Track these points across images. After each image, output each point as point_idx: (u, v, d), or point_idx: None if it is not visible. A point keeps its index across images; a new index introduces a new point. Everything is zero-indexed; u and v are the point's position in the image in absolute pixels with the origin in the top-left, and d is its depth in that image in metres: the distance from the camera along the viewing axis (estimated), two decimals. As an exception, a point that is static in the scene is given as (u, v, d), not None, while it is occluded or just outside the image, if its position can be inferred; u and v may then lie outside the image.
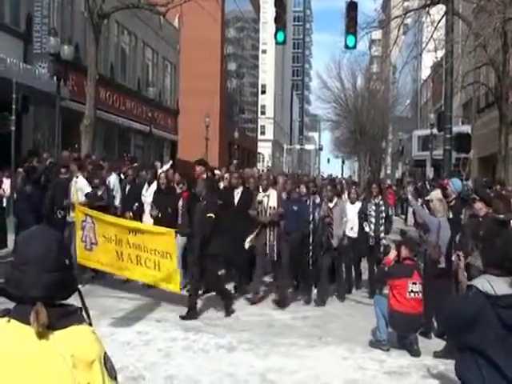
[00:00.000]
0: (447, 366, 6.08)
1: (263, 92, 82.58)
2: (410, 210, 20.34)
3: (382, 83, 49.77)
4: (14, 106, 16.10)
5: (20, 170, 12.91)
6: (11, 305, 2.05)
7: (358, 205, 10.58)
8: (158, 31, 34.45)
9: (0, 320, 2.04)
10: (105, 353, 2.09)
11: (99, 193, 10.45)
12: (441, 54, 22.09)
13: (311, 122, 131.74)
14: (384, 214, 10.26)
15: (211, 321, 8.27)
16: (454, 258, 7.69)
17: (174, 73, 39.76)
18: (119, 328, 7.59)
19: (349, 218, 10.14)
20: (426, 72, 50.12)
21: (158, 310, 8.65)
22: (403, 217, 24.63)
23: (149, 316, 8.29)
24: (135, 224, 9.67)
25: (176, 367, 6.30)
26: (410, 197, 9.92)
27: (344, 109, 50.29)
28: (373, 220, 10.14)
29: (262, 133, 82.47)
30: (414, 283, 7.07)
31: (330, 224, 9.53)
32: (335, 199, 9.97)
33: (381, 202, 10.38)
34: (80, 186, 10.02)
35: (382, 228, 10.18)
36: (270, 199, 9.39)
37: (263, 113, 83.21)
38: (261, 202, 9.40)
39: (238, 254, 9.47)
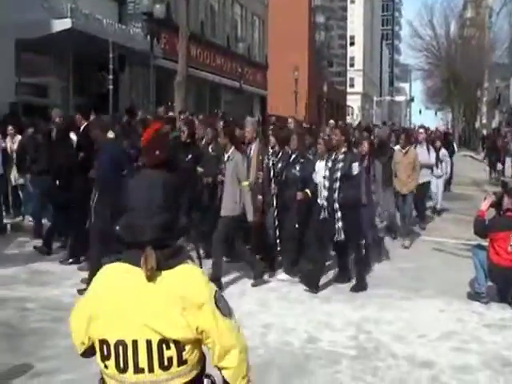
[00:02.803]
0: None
1: (352, 44, 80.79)
2: (508, 160, 19.58)
3: (476, 29, 47.42)
4: (111, 66, 16.64)
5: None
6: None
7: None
8: (246, -14, 34.27)
9: (113, 264, 2.14)
10: (216, 292, 2.13)
11: None
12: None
13: (401, 73, 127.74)
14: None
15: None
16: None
17: (263, 27, 39.54)
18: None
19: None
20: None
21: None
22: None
23: (244, 266, 8.48)
24: None
25: (272, 316, 6.47)
26: None
27: (436, 57, 48.55)
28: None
29: (351, 85, 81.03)
30: (517, 236, 6.79)
31: None
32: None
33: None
34: None
35: None
36: None
37: (352, 65, 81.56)
38: None
39: None
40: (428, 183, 12.38)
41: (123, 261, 2.10)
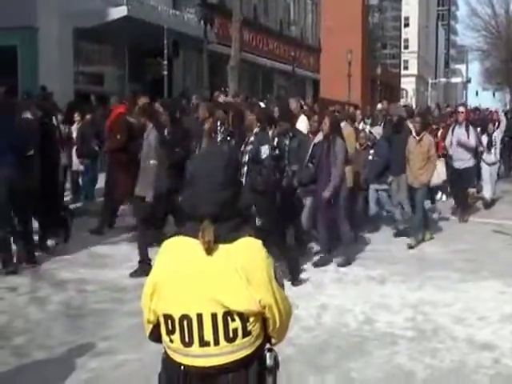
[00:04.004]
0: None
1: (406, 25, 79.15)
2: None
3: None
4: (165, 52, 16.83)
5: None
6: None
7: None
8: (298, -32, 33.98)
9: (175, 238, 2.16)
10: (274, 264, 2.16)
11: None
12: None
13: (458, 54, 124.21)
14: None
15: (362, 254, 8.34)
16: None
17: (315, 10, 39.17)
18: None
19: None
20: None
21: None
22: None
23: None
24: None
25: (327, 297, 6.47)
26: None
27: (495, 37, 47.05)
28: None
29: (406, 68, 79.51)
30: None
31: None
32: None
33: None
34: None
35: None
36: None
37: (406, 47, 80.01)
38: None
39: None
40: (471, 169, 11.09)
41: (184, 234, 2.13)
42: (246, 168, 6.62)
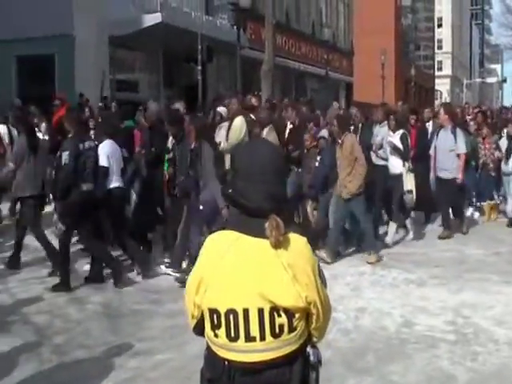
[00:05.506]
0: None
1: (439, 25, 78.33)
2: None
3: None
4: (199, 57, 16.96)
5: None
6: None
7: None
8: (330, -29, 33.93)
9: (221, 232, 2.15)
10: (318, 262, 2.16)
11: None
12: None
13: (492, 54, 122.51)
14: None
15: (399, 256, 8.27)
16: None
17: (348, 13, 39.03)
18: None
19: None
20: None
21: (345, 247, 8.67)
22: None
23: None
24: None
25: (365, 300, 6.42)
26: None
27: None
28: None
29: (439, 68, 78.66)
30: None
31: None
32: None
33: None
34: None
35: None
36: None
37: (440, 47, 79.16)
38: None
39: None
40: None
41: (231, 228, 2.13)
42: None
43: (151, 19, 16.82)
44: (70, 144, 6.73)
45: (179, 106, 9.88)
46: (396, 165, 8.94)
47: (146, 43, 18.08)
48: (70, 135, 6.86)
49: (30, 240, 7.67)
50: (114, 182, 7.16)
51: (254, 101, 10.31)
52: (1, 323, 5.77)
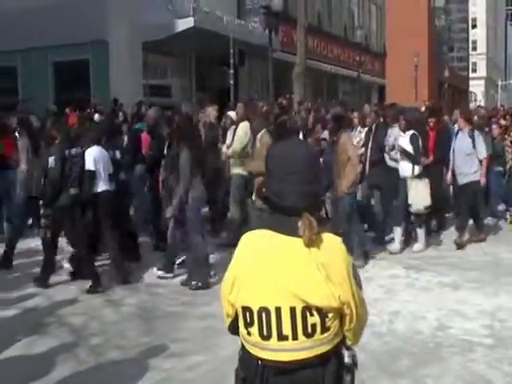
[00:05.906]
0: None
1: (474, 26, 77.43)
2: None
3: None
4: (231, 61, 17.03)
5: None
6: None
7: None
8: (362, -27, 33.81)
9: (255, 231, 2.15)
10: (352, 263, 2.14)
11: None
12: None
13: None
14: None
15: (432, 259, 8.17)
16: None
17: (380, 14, 38.81)
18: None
19: None
20: None
21: (377, 249, 8.62)
22: None
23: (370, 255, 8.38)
24: None
25: (399, 303, 6.36)
26: None
27: None
28: None
29: (474, 70, 77.70)
30: None
31: None
32: None
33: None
34: None
35: None
36: None
37: (474, 49, 78.22)
38: None
39: None
40: (474, 184, 8.83)
41: (265, 227, 2.13)
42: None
43: (184, 24, 16.96)
44: (56, 149, 6.87)
45: (212, 109, 9.93)
46: (406, 168, 8.42)
47: (178, 47, 18.23)
48: (57, 141, 7.00)
49: (62, 242, 7.77)
50: (102, 186, 7.24)
51: (284, 103, 10.33)
52: (38, 325, 5.87)
